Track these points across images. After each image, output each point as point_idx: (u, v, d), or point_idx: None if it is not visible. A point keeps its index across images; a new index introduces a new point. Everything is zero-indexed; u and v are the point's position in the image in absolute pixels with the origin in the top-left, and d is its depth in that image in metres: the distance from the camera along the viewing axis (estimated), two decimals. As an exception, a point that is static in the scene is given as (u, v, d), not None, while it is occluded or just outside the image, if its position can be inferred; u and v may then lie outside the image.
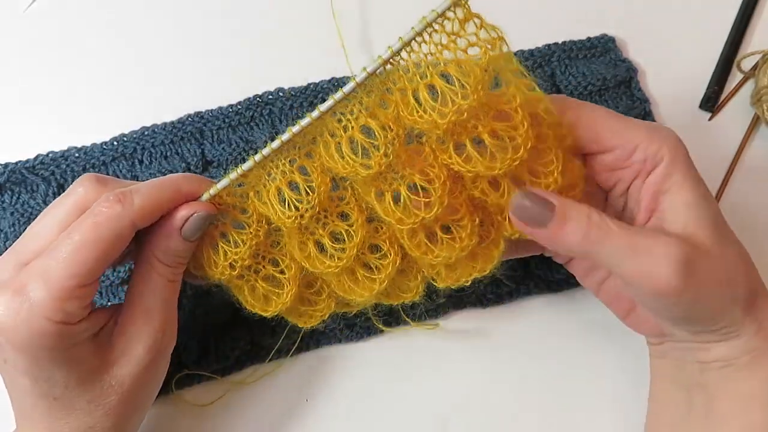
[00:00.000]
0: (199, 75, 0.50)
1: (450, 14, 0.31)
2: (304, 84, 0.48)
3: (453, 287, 0.37)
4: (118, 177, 0.45)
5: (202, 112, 0.47)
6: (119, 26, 0.51)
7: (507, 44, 0.31)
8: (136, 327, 0.35)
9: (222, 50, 0.51)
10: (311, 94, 0.47)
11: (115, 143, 0.46)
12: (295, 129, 0.34)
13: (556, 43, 0.50)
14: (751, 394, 0.36)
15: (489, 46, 0.31)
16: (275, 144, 0.34)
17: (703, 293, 0.33)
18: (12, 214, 0.44)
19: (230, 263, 0.37)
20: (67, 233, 0.32)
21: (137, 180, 0.45)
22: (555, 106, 0.33)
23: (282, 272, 0.38)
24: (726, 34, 0.52)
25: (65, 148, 0.46)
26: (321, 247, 0.36)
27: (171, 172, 0.45)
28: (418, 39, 0.32)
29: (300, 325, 0.40)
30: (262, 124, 0.47)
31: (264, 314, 0.38)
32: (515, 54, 0.46)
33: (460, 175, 0.33)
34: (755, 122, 0.50)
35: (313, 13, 0.51)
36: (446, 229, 0.35)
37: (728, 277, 0.34)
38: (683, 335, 0.37)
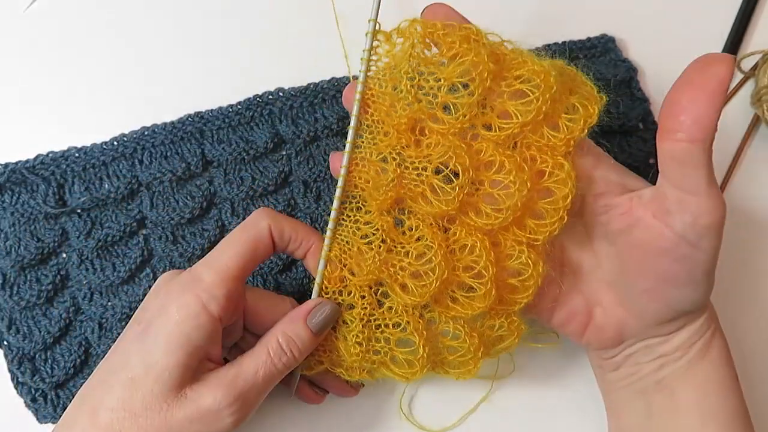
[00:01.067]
0: (199, 75, 0.50)
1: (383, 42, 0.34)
2: (304, 84, 0.48)
3: None
4: (117, 177, 0.45)
5: (202, 112, 0.47)
6: (120, 26, 0.51)
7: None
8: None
9: (222, 50, 0.51)
10: (311, 94, 0.47)
11: (115, 143, 0.46)
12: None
13: (556, 43, 0.50)
14: (707, 377, 0.37)
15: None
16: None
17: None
18: (12, 214, 0.44)
19: (355, 342, 0.38)
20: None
21: (137, 179, 0.45)
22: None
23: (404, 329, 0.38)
24: (726, 34, 0.52)
25: (65, 148, 0.46)
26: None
27: (171, 172, 0.45)
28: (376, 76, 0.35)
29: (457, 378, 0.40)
30: (262, 124, 0.47)
31: (414, 378, 0.39)
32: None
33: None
34: (755, 122, 0.50)
35: (313, 13, 0.51)
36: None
37: None
38: (652, 331, 0.38)
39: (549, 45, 0.50)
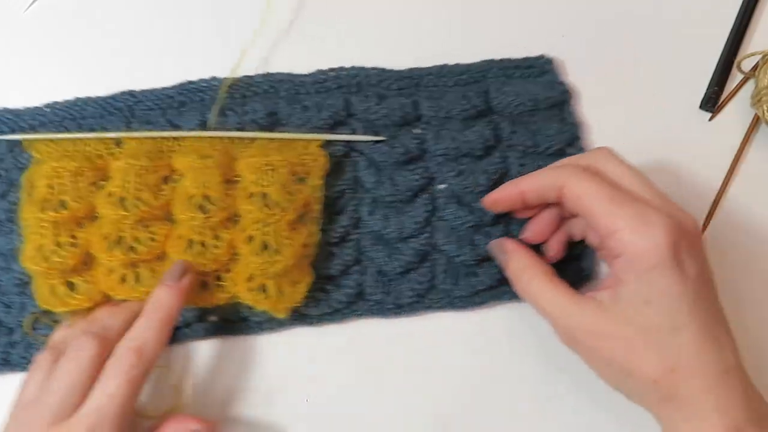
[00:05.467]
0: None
1: None
2: (241, 75, 0.48)
3: None
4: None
5: (134, 91, 0.48)
6: (120, 25, 0.52)
7: None
8: None
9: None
10: (244, 87, 0.48)
11: (47, 109, 0.47)
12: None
13: (492, 60, 0.49)
14: None
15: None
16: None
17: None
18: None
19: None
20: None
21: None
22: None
23: None
24: (726, 34, 0.51)
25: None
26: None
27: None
28: None
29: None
30: (192, 111, 0.47)
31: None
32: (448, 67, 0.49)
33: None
34: (755, 123, 0.50)
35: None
36: None
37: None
38: None
39: (486, 61, 0.49)
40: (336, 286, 0.45)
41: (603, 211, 0.37)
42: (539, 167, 0.45)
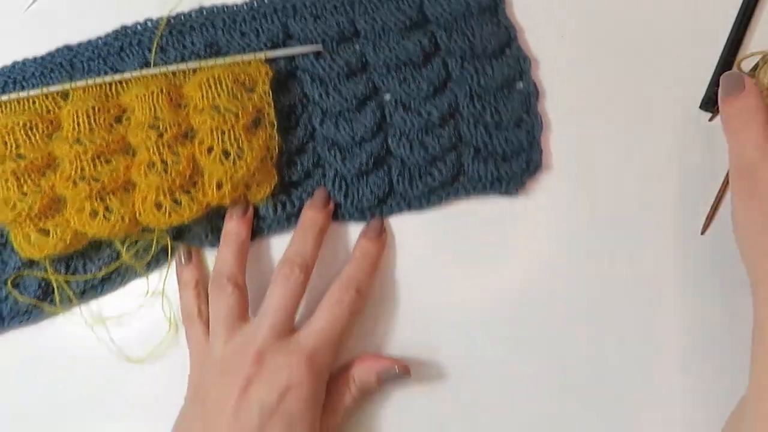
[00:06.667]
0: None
1: None
2: (173, 15, 0.49)
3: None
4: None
5: (71, 44, 0.48)
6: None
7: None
8: None
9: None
10: (179, 23, 0.49)
11: None
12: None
13: None
14: None
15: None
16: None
17: None
18: None
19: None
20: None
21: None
22: None
23: None
24: (726, 34, 0.51)
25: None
26: None
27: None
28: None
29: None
30: (132, 55, 0.48)
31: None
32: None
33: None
34: None
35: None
36: None
37: None
38: None
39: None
40: (300, 190, 0.47)
41: None
42: (477, 69, 0.48)
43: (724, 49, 0.50)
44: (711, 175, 0.47)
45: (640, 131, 0.49)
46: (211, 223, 0.46)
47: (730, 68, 0.50)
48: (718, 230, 0.47)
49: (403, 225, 0.47)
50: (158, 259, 0.47)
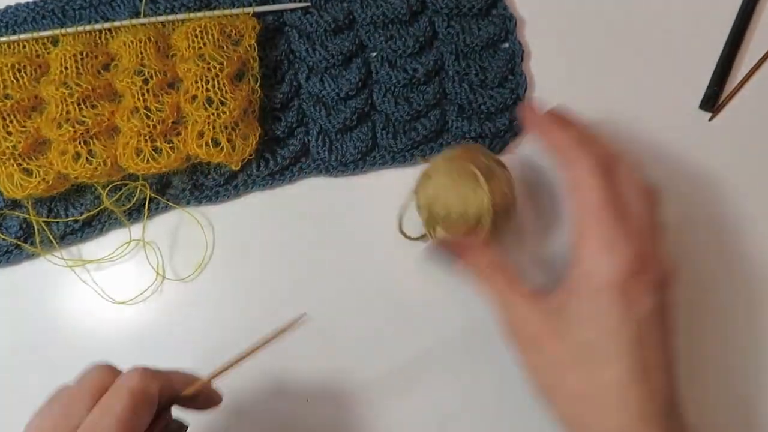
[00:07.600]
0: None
1: None
2: None
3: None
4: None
5: None
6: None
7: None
8: None
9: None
10: None
11: None
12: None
13: None
14: None
15: None
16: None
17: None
18: None
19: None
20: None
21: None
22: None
23: None
24: (726, 34, 0.51)
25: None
26: None
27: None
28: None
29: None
30: (123, 4, 0.48)
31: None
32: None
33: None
34: None
35: None
36: None
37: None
38: None
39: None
40: (283, 147, 0.47)
41: (589, 217, 0.36)
42: (464, 28, 0.48)
43: (724, 49, 0.50)
44: (711, 174, 0.48)
45: (640, 131, 0.48)
46: (193, 179, 0.47)
47: (730, 68, 0.50)
48: (713, 229, 0.47)
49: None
50: (140, 210, 0.47)
